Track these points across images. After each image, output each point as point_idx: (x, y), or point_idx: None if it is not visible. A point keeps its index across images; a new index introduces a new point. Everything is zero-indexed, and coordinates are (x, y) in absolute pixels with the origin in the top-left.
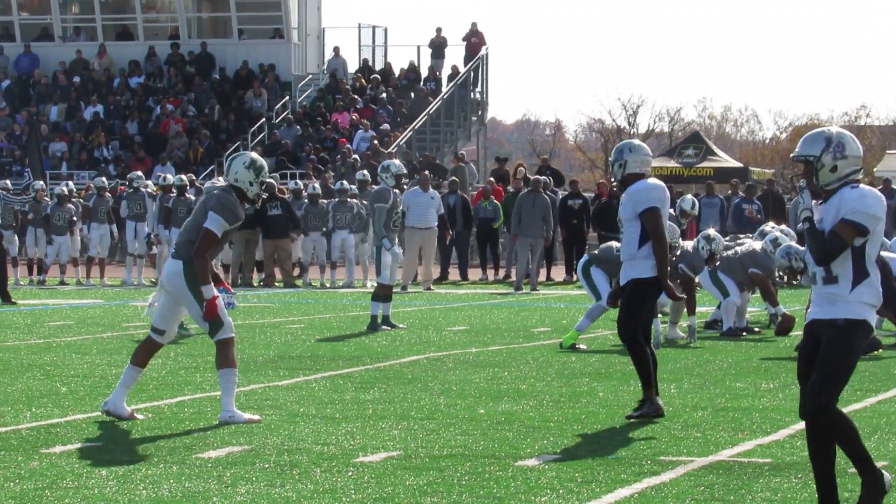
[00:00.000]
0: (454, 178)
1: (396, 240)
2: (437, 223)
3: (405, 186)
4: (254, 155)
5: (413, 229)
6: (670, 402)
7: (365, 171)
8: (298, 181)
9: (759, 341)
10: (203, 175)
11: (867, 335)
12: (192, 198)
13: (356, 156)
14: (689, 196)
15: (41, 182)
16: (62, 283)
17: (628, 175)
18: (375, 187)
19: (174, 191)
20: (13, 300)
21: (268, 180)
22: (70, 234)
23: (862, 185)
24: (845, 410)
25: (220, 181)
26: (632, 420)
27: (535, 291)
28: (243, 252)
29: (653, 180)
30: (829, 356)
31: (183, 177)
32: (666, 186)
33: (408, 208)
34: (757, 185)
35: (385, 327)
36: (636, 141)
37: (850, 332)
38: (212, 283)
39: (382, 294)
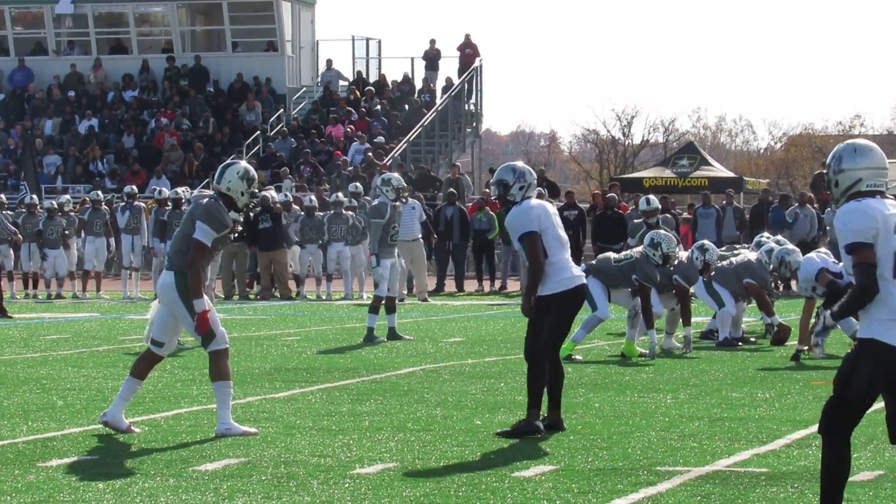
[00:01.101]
0: (451, 189)
1: (396, 252)
2: (421, 233)
3: (405, 200)
4: (247, 165)
5: (399, 242)
6: (666, 413)
7: (357, 184)
8: (288, 193)
9: (755, 351)
10: (198, 188)
11: (876, 353)
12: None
13: (351, 168)
14: (651, 196)
15: (34, 196)
16: (58, 296)
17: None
18: (374, 201)
19: (169, 204)
20: (9, 314)
21: (264, 193)
22: (65, 247)
23: (860, 201)
24: None
25: (206, 191)
26: (499, 435)
27: None
28: (233, 264)
29: (528, 202)
30: (835, 377)
31: (179, 190)
32: (544, 204)
33: None
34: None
35: (380, 339)
36: (519, 163)
37: (859, 352)
38: (205, 297)
39: (379, 306)
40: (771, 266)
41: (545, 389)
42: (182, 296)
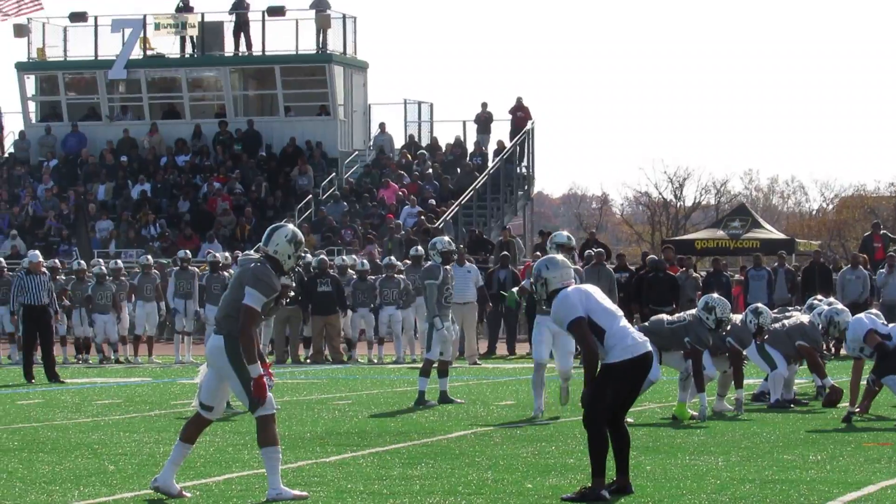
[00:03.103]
0: (504, 252)
1: (450, 315)
2: (476, 297)
3: (457, 262)
4: (295, 228)
5: (453, 305)
6: (718, 476)
7: (419, 247)
8: (345, 258)
9: (807, 413)
10: (252, 250)
11: None
12: (227, 275)
13: (404, 231)
14: (566, 232)
15: (82, 262)
16: (116, 360)
17: (552, 292)
18: (426, 264)
19: (207, 268)
20: (61, 379)
21: (322, 257)
22: (116, 311)
23: None
24: (879, 486)
25: (253, 253)
26: (564, 501)
27: None
28: (286, 328)
29: (563, 292)
30: None
31: (217, 254)
32: (582, 285)
33: None
34: None
35: (431, 402)
36: (555, 256)
37: None
38: (258, 362)
39: (430, 369)
40: (821, 326)
41: (612, 454)
42: (231, 360)
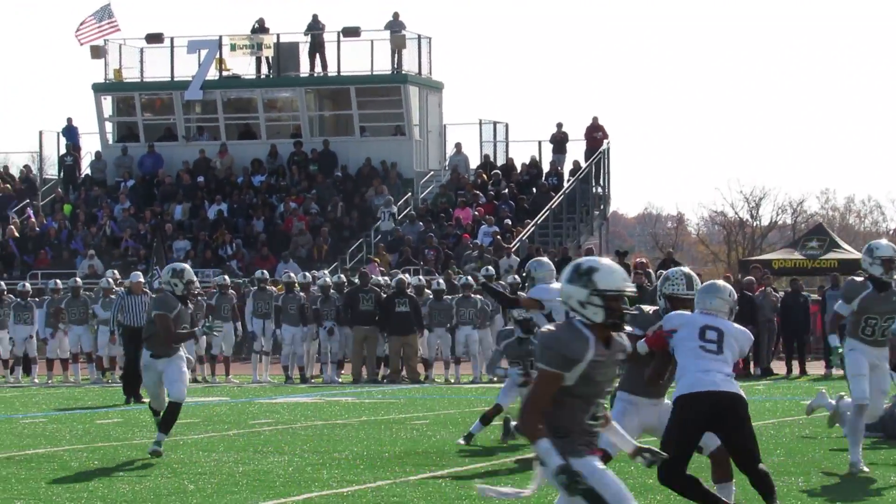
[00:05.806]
0: None
1: None
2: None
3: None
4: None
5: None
6: (798, 498)
7: (489, 267)
8: (422, 277)
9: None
10: (328, 270)
11: None
12: (303, 295)
13: (475, 252)
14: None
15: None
16: (193, 380)
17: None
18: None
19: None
20: (143, 399)
21: (399, 276)
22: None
23: None
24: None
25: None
26: None
27: None
28: (364, 348)
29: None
30: None
31: (293, 275)
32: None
33: None
34: None
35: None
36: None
37: None
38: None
39: None
40: None
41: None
42: None
